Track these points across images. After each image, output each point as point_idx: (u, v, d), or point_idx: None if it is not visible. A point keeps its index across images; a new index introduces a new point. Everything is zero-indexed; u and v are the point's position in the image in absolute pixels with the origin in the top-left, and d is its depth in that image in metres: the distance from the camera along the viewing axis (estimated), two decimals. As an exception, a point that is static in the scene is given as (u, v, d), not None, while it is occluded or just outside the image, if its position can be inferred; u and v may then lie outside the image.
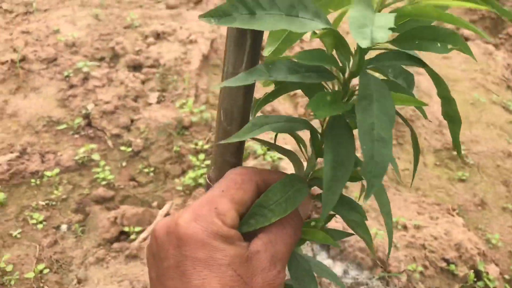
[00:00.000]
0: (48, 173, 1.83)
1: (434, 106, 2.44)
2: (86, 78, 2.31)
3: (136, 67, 2.43)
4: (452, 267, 1.57)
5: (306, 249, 1.49)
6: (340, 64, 0.52)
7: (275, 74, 0.53)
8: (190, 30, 2.64)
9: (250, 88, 0.63)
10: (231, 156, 0.71)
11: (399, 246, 1.60)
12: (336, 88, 0.52)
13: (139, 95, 2.26)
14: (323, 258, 1.49)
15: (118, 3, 3.13)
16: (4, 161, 1.83)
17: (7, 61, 2.34)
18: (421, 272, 1.55)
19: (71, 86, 2.27)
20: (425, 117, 0.54)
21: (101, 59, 2.50)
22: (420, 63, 0.52)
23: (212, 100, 2.32)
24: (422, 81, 2.60)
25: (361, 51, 0.52)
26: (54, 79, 2.32)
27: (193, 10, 3.02)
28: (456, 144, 0.50)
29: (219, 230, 0.43)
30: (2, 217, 1.68)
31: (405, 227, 1.70)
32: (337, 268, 1.46)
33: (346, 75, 0.50)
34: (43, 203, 1.75)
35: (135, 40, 2.64)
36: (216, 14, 0.46)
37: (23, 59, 2.38)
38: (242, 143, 0.71)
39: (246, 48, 0.59)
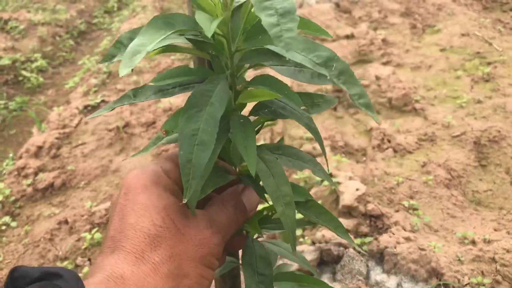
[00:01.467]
0: (138, 215, 2.07)
1: (522, 124, 2.29)
2: (176, 134, 2.59)
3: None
4: (530, 281, 1.44)
5: (359, 265, 1.49)
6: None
7: (139, 97, 0.61)
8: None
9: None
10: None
11: (463, 259, 1.51)
12: None
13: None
14: (377, 272, 1.47)
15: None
16: (102, 208, 2.11)
17: (113, 128, 2.73)
18: (491, 287, 1.45)
19: (164, 143, 2.57)
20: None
21: (192, 118, 2.79)
22: (271, 57, 0.54)
23: (275, 130, 2.45)
24: (510, 102, 2.47)
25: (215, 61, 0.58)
26: (152, 138, 2.64)
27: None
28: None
29: (161, 180, 0.50)
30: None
31: (473, 242, 1.60)
32: (391, 281, 1.43)
33: None
34: (133, 241, 1.97)
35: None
36: (106, 58, 0.55)
37: (127, 125, 2.75)
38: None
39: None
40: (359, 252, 1.55)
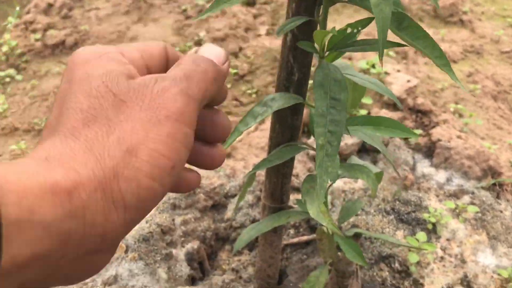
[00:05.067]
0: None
1: None
2: (201, 10, 2.38)
3: (250, 3, 2.46)
4: None
5: (406, 155, 1.37)
6: None
7: None
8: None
9: None
10: None
11: (517, 168, 1.41)
12: None
13: (249, 27, 2.28)
14: (424, 166, 1.36)
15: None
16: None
17: (132, -5, 2.50)
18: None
19: (187, 17, 2.36)
20: None
21: (218, -2, 2.57)
22: None
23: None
24: None
25: None
26: (173, 12, 2.43)
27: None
28: None
29: (108, 53, 0.37)
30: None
31: (527, 150, 1.50)
32: (440, 175, 1.32)
33: None
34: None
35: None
36: None
37: (147, -6, 2.52)
38: None
39: None
40: (405, 144, 1.43)
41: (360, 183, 1.33)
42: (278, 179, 0.98)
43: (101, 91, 0.35)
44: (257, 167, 0.84)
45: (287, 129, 0.88)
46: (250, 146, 1.52)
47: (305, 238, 1.25)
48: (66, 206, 0.29)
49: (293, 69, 0.79)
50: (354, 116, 0.80)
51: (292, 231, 1.28)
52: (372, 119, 0.81)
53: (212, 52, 0.42)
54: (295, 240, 1.26)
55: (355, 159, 0.96)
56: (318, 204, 0.80)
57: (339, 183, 1.32)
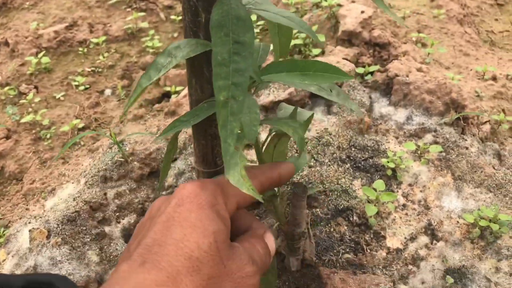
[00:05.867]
0: (94, 40, 1.73)
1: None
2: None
3: None
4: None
5: (362, 95, 1.25)
6: None
7: None
8: None
9: None
10: None
11: (483, 95, 1.29)
12: None
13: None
14: (382, 105, 1.23)
15: None
16: (51, 31, 1.76)
17: None
18: (512, 128, 1.24)
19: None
20: None
21: None
22: None
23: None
24: None
25: None
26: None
27: None
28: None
29: (218, 203, 0.46)
30: (47, 82, 1.63)
31: (494, 78, 1.37)
32: (400, 114, 1.19)
33: None
34: (89, 69, 1.67)
35: None
36: None
37: None
38: None
39: None
40: (361, 82, 1.30)
41: (315, 128, 1.21)
42: (207, 141, 0.85)
43: (212, 249, 0.43)
44: (167, 129, 0.71)
45: (206, 83, 0.75)
46: (195, 101, 1.39)
47: (255, 198, 1.14)
48: None
49: (198, 9, 0.64)
50: (278, 62, 0.67)
51: (243, 191, 1.17)
52: (298, 64, 0.67)
53: (272, 243, 0.54)
54: (246, 200, 1.15)
55: (284, 106, 0.84)
56: (240, 169, 0.68)
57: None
